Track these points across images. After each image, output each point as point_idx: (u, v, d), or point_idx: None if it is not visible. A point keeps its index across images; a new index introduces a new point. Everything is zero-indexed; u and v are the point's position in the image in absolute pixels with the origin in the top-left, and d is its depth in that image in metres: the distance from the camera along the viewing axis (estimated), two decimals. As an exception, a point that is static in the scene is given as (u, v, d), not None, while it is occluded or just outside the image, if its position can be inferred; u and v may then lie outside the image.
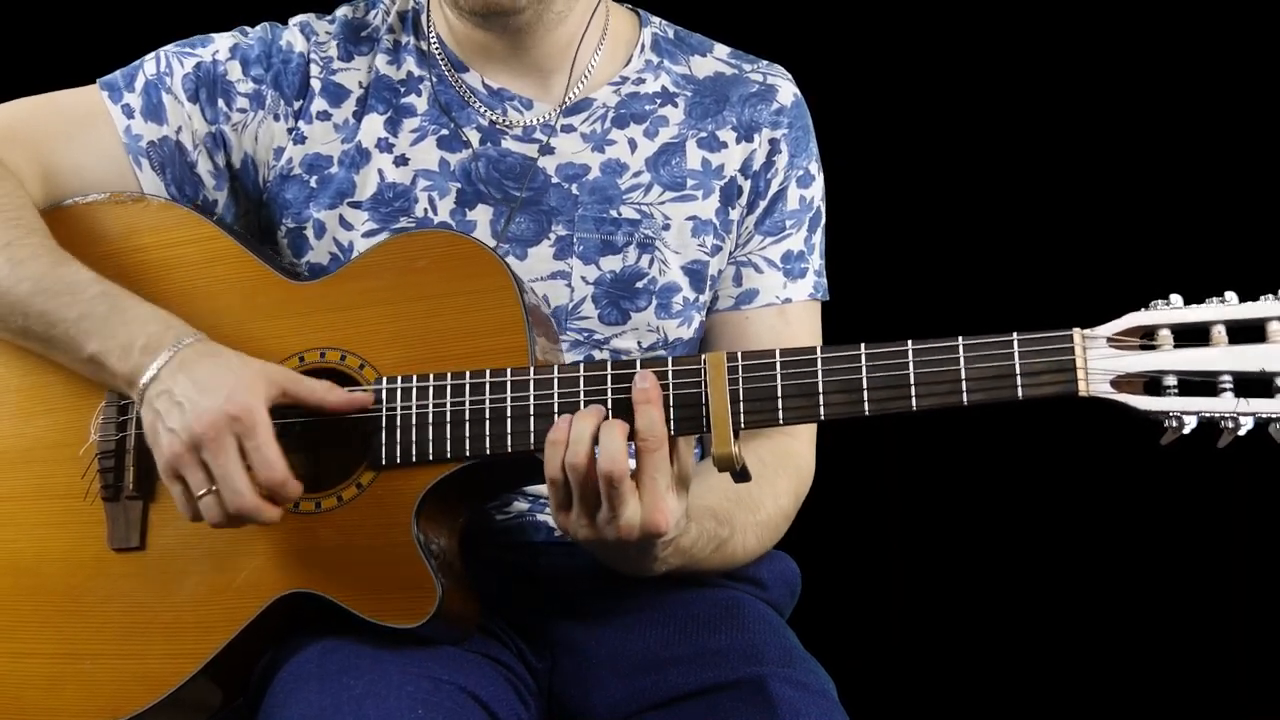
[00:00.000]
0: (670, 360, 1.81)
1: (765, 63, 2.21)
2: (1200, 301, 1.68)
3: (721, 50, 2.21)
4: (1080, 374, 1.69)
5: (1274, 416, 1.63)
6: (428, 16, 2.17)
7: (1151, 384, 1.68)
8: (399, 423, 1.87)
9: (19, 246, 1.96)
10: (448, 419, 1.86)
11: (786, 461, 2.09)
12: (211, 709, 1.96)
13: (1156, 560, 3.37)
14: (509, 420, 1.84)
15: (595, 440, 1.77)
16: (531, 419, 1.83)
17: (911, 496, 3.49)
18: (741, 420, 1.78)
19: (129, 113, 2.11)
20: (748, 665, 1.94)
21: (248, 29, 2.16)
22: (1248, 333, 1.65)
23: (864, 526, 3.47)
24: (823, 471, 2.16)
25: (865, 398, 1.75)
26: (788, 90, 2.18)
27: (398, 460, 1.87)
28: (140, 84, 2.12)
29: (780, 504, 2.07)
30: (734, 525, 1.99)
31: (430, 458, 1.86)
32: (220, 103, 2.11)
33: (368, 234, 2.07)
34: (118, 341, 1.89)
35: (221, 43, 2.14)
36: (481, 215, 2.08)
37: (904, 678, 3.44)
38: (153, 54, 2.14)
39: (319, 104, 2.12)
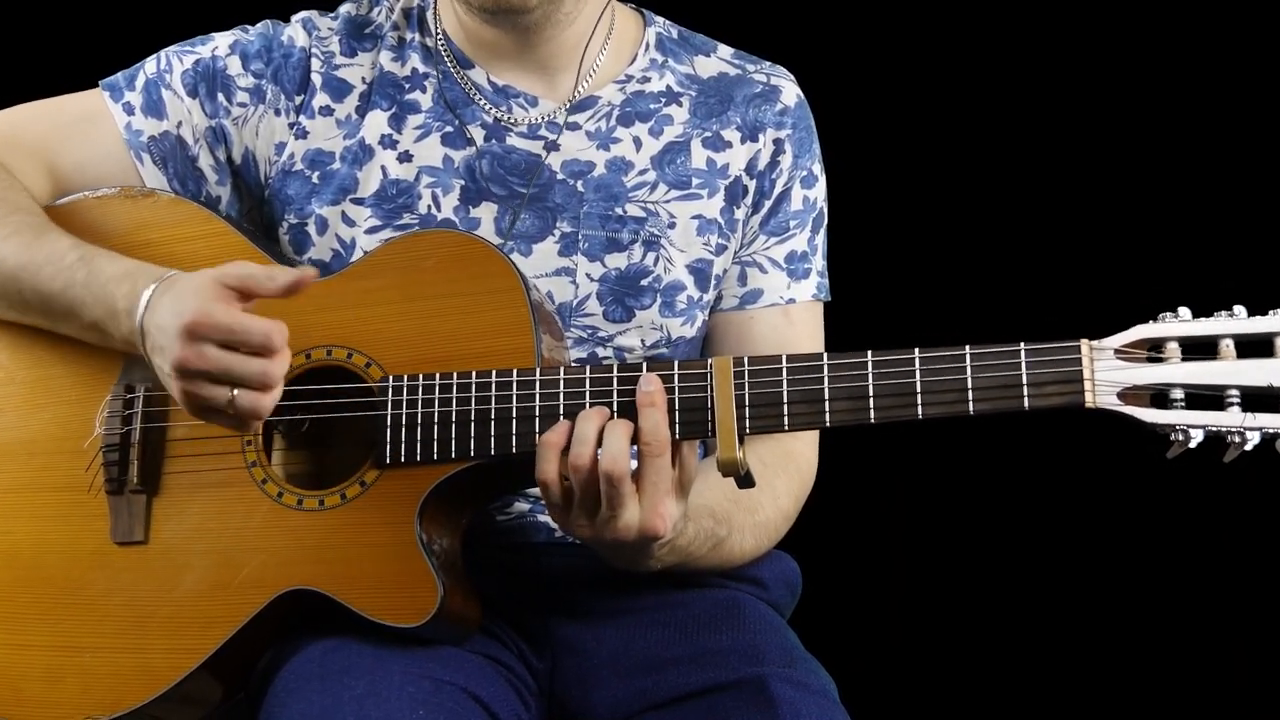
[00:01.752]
0: (676, 364, 1.81)
1: (768, 64, 2.21)
2: (1209, 315, 1.67)
3: (725, 51, 2.21)
4: (1087, 385, 1.68)
5: (1281, 432, 1.64)
6: (434, 13, 2.17)
7: (1158, 397, 1.68)
8: (404, 422, 1.87)
9: (1, 224, 1.97)
10: (453, 419, 1.85)
11: (788, 462, 2.10)
12: (212, 704, 1.96)
13: (1158, 571, 3.36)
14: (514, 421, 1.84)
15: (599, 441, 1.77)
16: (536, 420, 1.83)
17: (914, 498, 3.48)
18: (746, 426, 1.78)
19: (129, 110, 2.11)
20: (748, 665, 1.95)
21: (249, 27, 2.16)
22: (1256, 347, 1.65)
23: (865, 527, 3.47)
24: (824, 472, 2.16)
25: (871, 405, 1.75)
26: (791, 91, 2.18)
27: (402, 459, 1.87)
28: (141, 82, 2.12)
29: (780, 505, 2.07)
30: (732, 525, 2.00)
31: (435, 458, 1.86)
32: (220, 97, 2.11)
33: (370, 230, 2.07)
34: (104, 308, 1.90)
35: (222, 40, 2.14)
36: (486, 212, 2.08)
37: (904, 678, 3.44)
38: (154, 55, 2.15)
39: (321, 99, 2.11)
